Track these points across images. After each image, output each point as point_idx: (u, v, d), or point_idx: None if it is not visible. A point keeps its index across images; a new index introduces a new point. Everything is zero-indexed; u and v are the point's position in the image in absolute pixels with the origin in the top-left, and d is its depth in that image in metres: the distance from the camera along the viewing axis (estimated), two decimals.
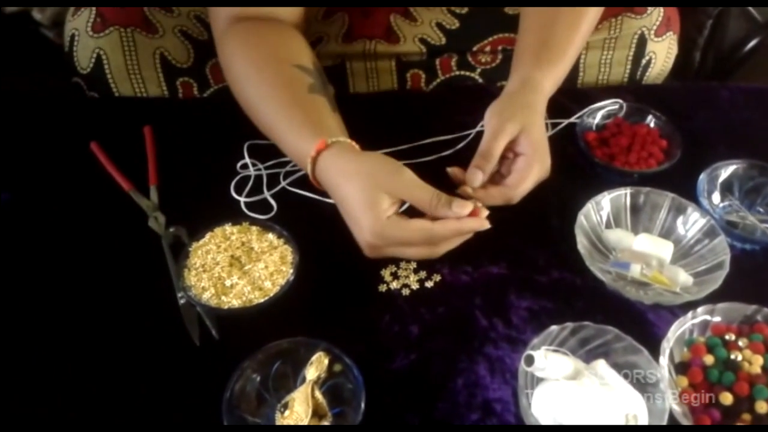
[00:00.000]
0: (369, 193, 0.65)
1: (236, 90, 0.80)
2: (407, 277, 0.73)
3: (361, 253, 0.69)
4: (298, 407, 0.59)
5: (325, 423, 0.61)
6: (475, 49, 0.99)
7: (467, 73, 1.01)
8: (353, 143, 0.72)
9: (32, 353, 0.67)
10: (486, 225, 0.67)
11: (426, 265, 0.74)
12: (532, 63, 0.79)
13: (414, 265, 0.74)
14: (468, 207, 0.66)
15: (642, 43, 1.00)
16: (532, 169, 0.72)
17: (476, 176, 0.70)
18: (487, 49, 0.99)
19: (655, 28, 1.00)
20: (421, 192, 0.66)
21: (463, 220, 0.66)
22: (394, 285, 0.73)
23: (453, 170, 0.73)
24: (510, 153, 0.74)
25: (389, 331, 0.69)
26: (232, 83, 0.81)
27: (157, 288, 0.72)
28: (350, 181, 0.67)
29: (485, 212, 0.67)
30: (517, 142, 0.72)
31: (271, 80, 0.76)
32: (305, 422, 0.59)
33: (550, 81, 0.79)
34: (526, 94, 0.76)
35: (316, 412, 0.60)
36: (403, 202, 0.67)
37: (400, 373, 0.66)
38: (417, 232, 0.65)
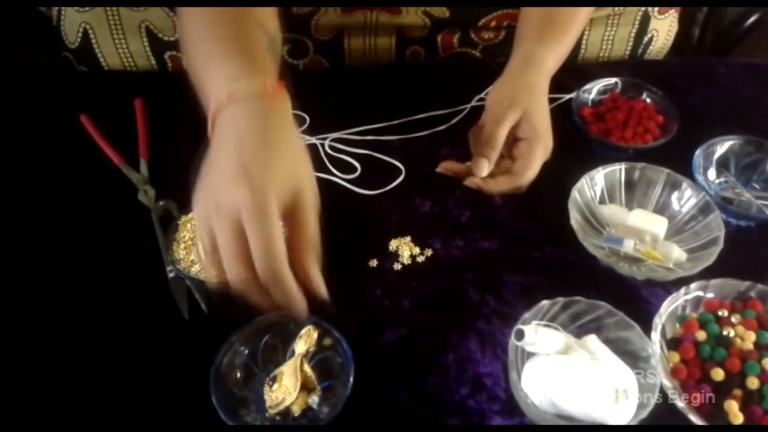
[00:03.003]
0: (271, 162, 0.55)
1: (186, 48, 0.70)
2: (399, 252, 0.73)
3: (352, 228, 0.68)
4: (287, 381, 0.59)
5: (314, 397, 0.60)
6: (480, 23, 0.96)
7: (469, 50, 0.98)
8: None
9: (21, 326, 0.66)
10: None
11: (418, 240, 0.73)
12: (535, 39, 0.78)
13: (407, 239, 0.74)
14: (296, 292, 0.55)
15: (645, 20, 0.99)
16: (536, 152, 0.71)
17: (483, 165, 0.69)
18: (492, 24, 0.95)
19: None
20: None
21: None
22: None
23: (447, 165, 0.70)
24: (510, 136, 0.72)
25: (380, 305, 0.68)
26: (183, 43, 0.71)
27: (146, 261, 0.71)
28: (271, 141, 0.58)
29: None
30: (518, 127, 0.71)
31: (222, 25, 0.66)
32: (294, 396, 0.59)
33: (554, 58, 0.78)
34: (529, 73, 0.75)
35: (305, 386, 0.60)
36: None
37: (390, 347, 0.65)
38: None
